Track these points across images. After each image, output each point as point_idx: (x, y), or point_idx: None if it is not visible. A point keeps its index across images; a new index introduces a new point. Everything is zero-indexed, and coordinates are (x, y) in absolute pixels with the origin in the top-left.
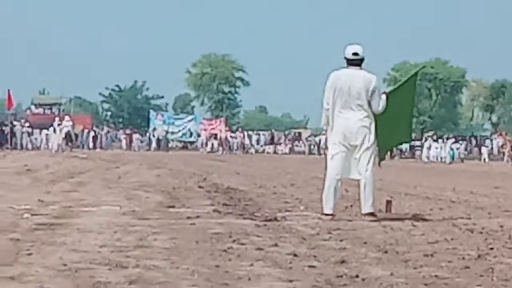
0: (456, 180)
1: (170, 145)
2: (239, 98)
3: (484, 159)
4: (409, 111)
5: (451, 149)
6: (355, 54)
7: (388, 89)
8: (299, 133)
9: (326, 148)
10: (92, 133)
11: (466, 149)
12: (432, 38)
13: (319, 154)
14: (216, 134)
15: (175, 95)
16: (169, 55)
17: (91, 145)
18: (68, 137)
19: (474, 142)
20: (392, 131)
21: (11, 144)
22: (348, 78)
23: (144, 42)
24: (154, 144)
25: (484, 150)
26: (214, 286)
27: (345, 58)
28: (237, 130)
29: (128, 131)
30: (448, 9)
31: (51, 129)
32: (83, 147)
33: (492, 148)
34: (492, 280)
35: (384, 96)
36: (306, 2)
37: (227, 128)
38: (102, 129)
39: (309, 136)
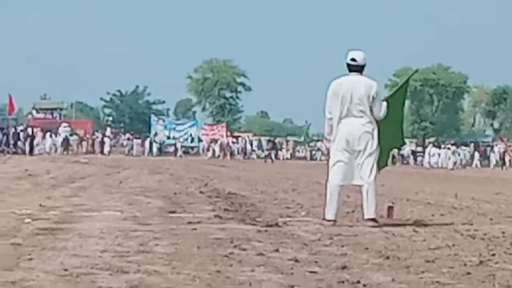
0: (458, 186)
1: (168, 150)
2: (241, 103)
3: (494, 165)
4: (400, 115)
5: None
6: (353, 60)
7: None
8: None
9: (328, 155)
10: (99, 138)
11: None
12: (434, 44)
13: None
14: (217, 140)
15: (176, 100)
16: (171, 60)
17: (98, 150)
18: (65, 142)
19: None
20: (387, 137)
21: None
22: (350, 85)
23: (146, 47)
24: (155, 150)
25: (492, 156)
26: None
27: (346, 63)
28: (239, 135)
29: (129, 136)
30: (450, 15)
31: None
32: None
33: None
34: (494, 286)
35: (385, 103)
36: (308, 8)
37: (229, 134)
38: (104, 134)
39: (311, 142)
